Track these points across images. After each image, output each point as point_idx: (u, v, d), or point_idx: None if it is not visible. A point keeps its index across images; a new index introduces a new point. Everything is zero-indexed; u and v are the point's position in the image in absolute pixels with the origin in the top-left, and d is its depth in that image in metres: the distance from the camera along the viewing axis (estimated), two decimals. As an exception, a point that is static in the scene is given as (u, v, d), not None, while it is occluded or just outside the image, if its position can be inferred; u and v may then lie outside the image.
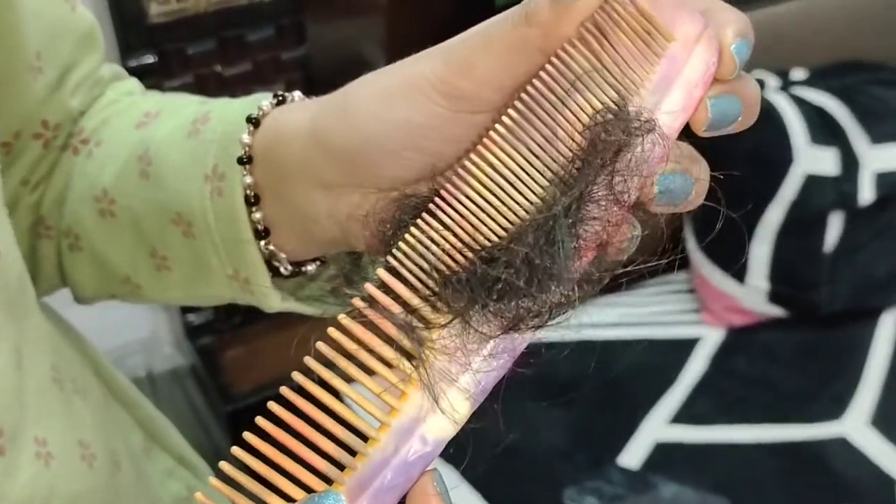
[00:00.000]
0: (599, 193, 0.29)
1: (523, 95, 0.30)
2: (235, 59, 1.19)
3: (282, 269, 0.40)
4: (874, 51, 1.42)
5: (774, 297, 1.32)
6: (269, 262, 0.40)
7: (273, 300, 0.41)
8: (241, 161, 0.39)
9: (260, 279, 0.40)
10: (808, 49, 1.40)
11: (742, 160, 1.29)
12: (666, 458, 1.16)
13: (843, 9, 1.43)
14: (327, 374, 0.28)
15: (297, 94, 0.40)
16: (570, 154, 0.29)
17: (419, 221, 0.29)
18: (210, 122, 0.41)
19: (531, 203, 0.29)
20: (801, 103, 1.28)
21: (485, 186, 0.29)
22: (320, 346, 0.28)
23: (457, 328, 0.28)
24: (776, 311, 1.34)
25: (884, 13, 1.45)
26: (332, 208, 0.36)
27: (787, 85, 1.34)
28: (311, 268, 0.41)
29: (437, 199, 0.29)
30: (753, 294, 1.33)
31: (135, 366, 1.33)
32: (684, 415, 1.22)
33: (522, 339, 0.29)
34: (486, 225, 0.29)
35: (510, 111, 0.29)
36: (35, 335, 0.40)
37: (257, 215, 0.39)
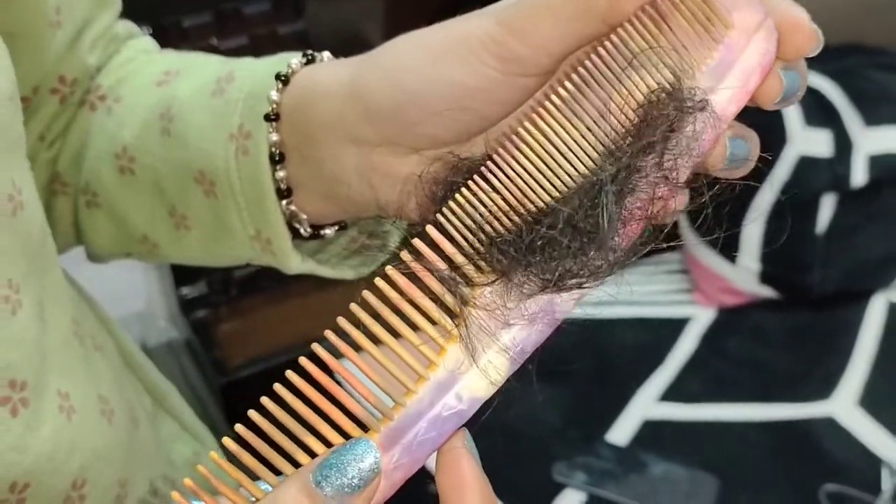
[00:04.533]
0: (648, 168, 0.29)
1: (580, 69, 0.30)
2: (232, 33, 1.19)
3: (301, 231, 0.41)
4: (875, 34, 1.42)
5: (766, 278, 1.33)
6: (290, 223, 0.40)
7: (293, 261, 0.41)
8: (268, 118, 0.39)
9: (281, 240, 0.40)
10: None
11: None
12: (655, 435, 1.17)
13: (841, -9, 1.43)
14: (371, 323, 0.29)
15: (327, 54, 0.41)
16: (622, 129, 0.30)
17: (469, 183, 0.30)
18: (235, 81, 0.41)
19: (580, 174, 0.30)
20: (797, 85, 1.28)
21: (536, 154, 0.30)
22: (366, 294, 0.29)
23: (499, 289, 0.29)
24: (767, 292, 1.35)
25: (881, -4, 1.45)
26: (361, 165, 0.36)
27: (782, 66, 1.35)
28: (329, 231, 0.41)
29: (488, 163, 0.30)
30: (745, 275, 1.33)
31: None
32: (674, 393, 1.23)
33: (562, 307, 0.29)
34: (534, 191, 0.30)
35: (566, 83, 0.30)
36: (56, 289, 0.40)
37: (281, 174, 0.39)
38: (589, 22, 0.30)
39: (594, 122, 0.30)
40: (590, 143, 0.30)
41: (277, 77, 0.39)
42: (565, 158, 0.30)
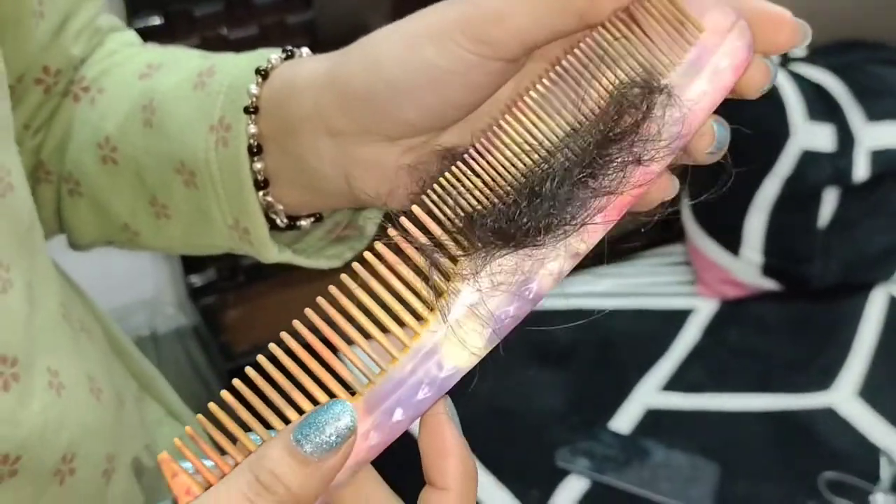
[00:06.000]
0: (619, 152, 0.31)
1: (559, 66, 0.32)
2: (242, 22, 1.20)
3: (278, 222, 0.42)
4: (875, 30, 1.43)
5: (768, 271, 1.34)
6: (267, 213, 0.42)
7: (271, 251, 0.42)
8: (247, 111, 0.40)
9: (259, 230, 0.42)
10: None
11: (740, 134, 1.30)
12: (656, 423, 1.18)
13: (845, -13, 1.44)
14: (361, 294, 0.30)
15: (305, 50, 0.42)
16: (596, 119, 0.32)
17: (453, 168, 0.32)
18: (216, 76, 0.42)
19: (554, 159, 0.32)
20: (800, 80, 1.29)
21: (515, 143, 0.32)
22: (355, 266, 0.30)
23: (479, 264, 0.30)
24: (769, 285, 1.36)
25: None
26: (337, 157, 0.37)
27: (786, 61, 1.35)
28: (305, 222, 0.42)
29: (470, 150, 0.32)
30: (747, 267, 1.34)
31: (138, 325, 1.35)
32: (676, 383, 1.24)
33: (541, 285, 0.31)
34: (511, 175, 0.32)
35: (544, 80, 0.32)
36: (44, 272, 0.42)
37: (258, 165, 0.40)
38: (566, 17, 0.32)
39: (570, 115, 0.32)
40: (566, 134, 0.32)
41: (257, 71, 0.40)
42: (543, 146, 0.32)
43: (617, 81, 0.32)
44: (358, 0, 1.28)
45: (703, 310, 1.37)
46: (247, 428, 0.30)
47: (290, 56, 0.41)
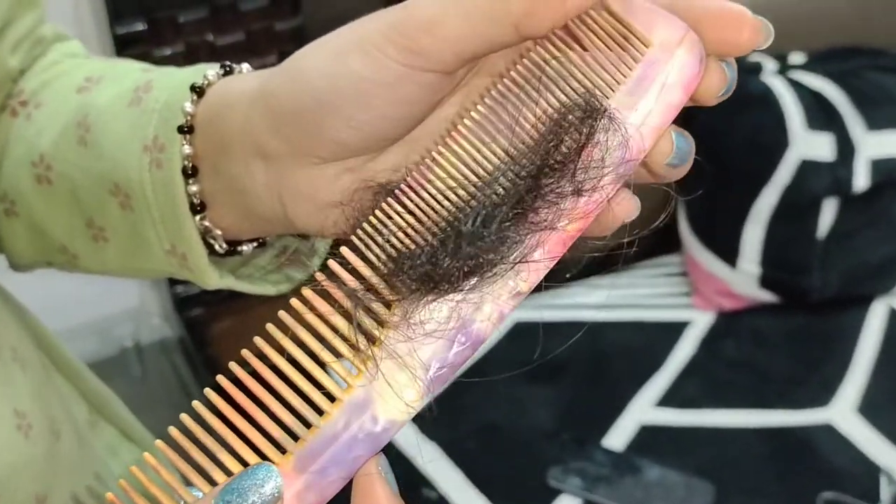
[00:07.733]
0: (557, 184, 0.29)
1: (495, 90, 0.30)
2: (228, 29, 1.18)
3: (216, 247, 0.39)
4: (874, 36, 1.41)
5: (766, 282, 1.32)
6: (205, 238, 0.39)
7: (211, 278, 0.40)
8: (181, 130, 0.38)
9: (196, 256, 0.39)
10: (807, 33, 1.39)
11: (738, 143, 1.29)
12: (651, 440, 1.16)
13: (845, -7, 1.42)
14: (288, 345, 0.28)
15: (245, 66, 0.40)
16: (535, 149, 0.29)
17: (383, 205, 0.30)
18: (152, 92, 0.40)
19: (492, 192, 0.29)
20: (799, 88, 1.27)
21: (450, 176, 0.30)
22: (282, 315, 0.28)
23: (411, 311, 0.28)
24: (767, 297, 1.34)
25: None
26: (270, 180, 0.35)
27: (785, 69, 1.33)
28: (246, 248, 0.40)
29: (402, 186, 0.30)
30: (745, 278, 1.32)
31: (123, 336, 1.33)
32: (671, 398, 1.22)
33: (480, 328, 0.29)
34: (447, 210, 0.29)
35: (479, 106, 0.30)
36: None
37: (193, 188, 0.38)
38: (500, 25, 0.29)
39: (508, 143, 0.30)
40: (504, 164, 0.30)
41: (192, 88, 0.38)
42: (479, 178, 0.30)
43: (558, 105, 0.29)
44: (347, 6, 1.26)
45: (700, 322, 1.35)
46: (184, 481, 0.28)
47: (229, 72, 0.39)
